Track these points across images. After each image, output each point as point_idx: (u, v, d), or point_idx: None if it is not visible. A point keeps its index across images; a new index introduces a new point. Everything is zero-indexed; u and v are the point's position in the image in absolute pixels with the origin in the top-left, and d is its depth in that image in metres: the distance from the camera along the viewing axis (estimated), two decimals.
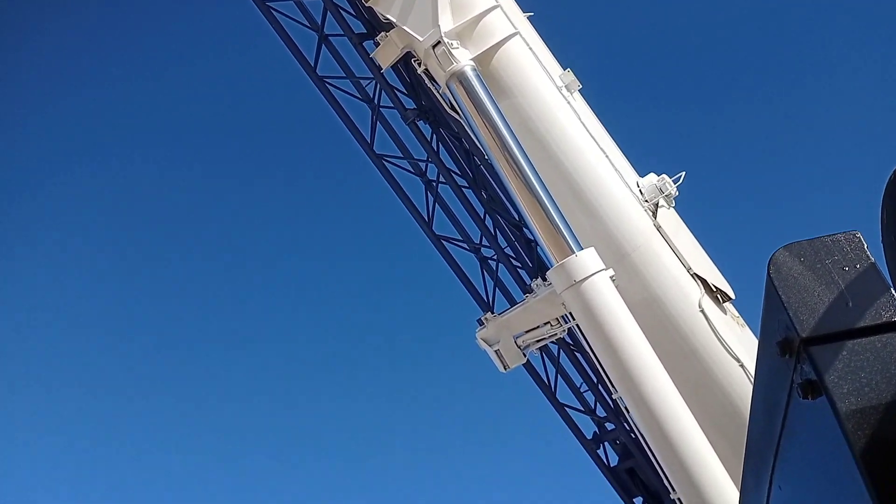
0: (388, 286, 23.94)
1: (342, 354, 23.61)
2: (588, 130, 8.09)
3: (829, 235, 1.25)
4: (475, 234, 9.57)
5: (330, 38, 9.57)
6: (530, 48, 8.10)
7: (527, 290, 8.63)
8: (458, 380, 22.56)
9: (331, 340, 23.97)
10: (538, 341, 8.39)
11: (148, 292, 23.23)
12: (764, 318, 1.34)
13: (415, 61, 8.61)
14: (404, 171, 9.54)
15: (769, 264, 1.25)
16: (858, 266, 1.21)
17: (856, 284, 1.19)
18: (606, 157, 8.04)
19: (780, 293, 1.20)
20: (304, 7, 9.58)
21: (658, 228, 7.89)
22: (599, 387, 9.52)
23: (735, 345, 7.72)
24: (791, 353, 1.21)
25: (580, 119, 8.12)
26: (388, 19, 8.29)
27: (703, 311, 7.65)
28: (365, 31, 9.23)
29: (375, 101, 9.46)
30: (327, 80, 9.51)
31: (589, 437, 9.88)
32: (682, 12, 22.38)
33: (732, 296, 8.10)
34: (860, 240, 1.25)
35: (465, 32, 7.90)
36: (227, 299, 23.79)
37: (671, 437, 6.55)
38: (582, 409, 9.85)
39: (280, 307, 24.03)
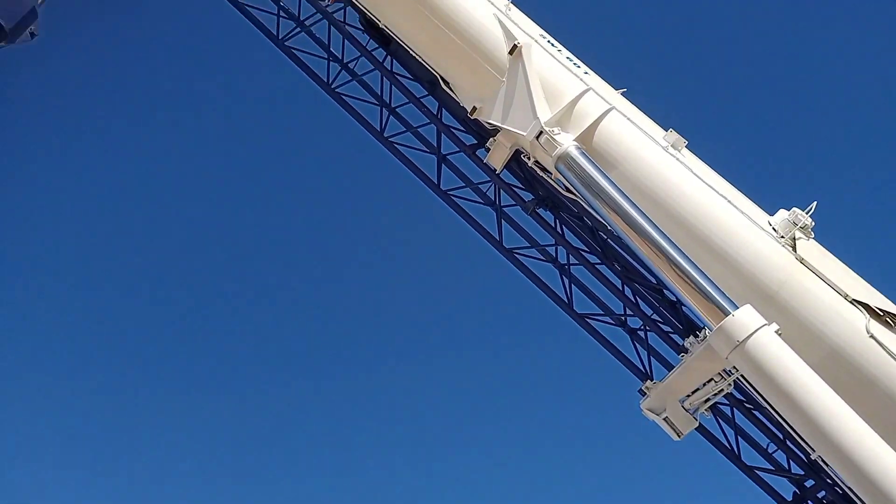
0: (541, 373, 23.48)
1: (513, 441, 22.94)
2: (704, 182, 7.79)
3: None
4: (617, 307, 9.28)
5: (447, 156, 10.09)
6: (628, 119, 8.06)
7: (681, 350, 8.17)
8: (628, 456, 21.28)
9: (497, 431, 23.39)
10: (706, 401, 7.82)
11: None
12: None
13: (524, 156, 8.82)
14: (536, 260, 9.55)
15: None
16: None
17: None
18: (729, 202, 7.66)
19: None
20: (420, 135, 10.23)
21: (801, 261, 7.30)
22: (788, 442, 8.60)
23: None
24: None
25: (693, 173, 7.85)
26: (492, 125, 8.61)
27: (873, 337, 6.86)
28: (476, 142, 9.64)
29: (497, 202, 9.71)
30: (451, 192, 9.92)
31: (789, 498, 8.83)
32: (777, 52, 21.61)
33: None
34: None
35: (564, 119, 8.03)
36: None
37: (882, 485, 5.79)
38: (773, 469, 8.88)
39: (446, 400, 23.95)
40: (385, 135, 10.15)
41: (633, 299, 9.06)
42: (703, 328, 7.28)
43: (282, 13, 10.66)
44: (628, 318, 9.16)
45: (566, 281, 9.39)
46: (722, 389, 7.62)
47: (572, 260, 9.34)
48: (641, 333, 9.14)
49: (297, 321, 24.67)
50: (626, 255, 9.20)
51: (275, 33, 10.65)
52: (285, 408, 23.84)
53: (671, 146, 8.04)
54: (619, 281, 9.18)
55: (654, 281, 8.88)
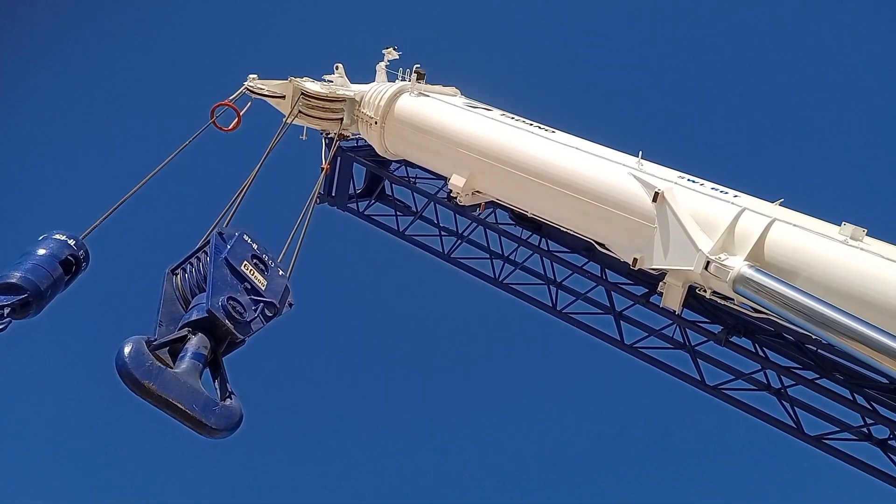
0: None
1: None
2: None
3: None
4: (853, 419, 8.34)
5: (623, 312, 10.18)
6: (794, 225, 7.85)
7: None
8: None
9: None
10: None
11: None
12: None
13: (699, 290, 8.69)
14: (747, 391, 8.99)
15: None
16: None
17: None
18: None
19: None
20: (591, 299, 10.48)
21: None
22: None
23: None
24: None
25: (886, 258, 7.32)
26: (658, 270, 8.68)
27: None
28: (647, 290, 9.69)
29: (687, 343, 9.47)
30: (637, 346, 9.85)
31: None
32: None
33: None
34: None
35: (727, 244, 7.94)
36: None
37: None
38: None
39: None
40: (559, 308, 10.50)
41: (869, 406, 8.14)
42: None
43: (443, 232, 11.85)
44: (870, 427, 8.18)
45: (787, 405, 8.69)
46: None
47: (787, 381, 8.71)
48: (894, 443, 8.07)
49: None
50: (845, 362, 8.45)
51: (440, 250, 11.78)
52: None
53: (850, 238, 7.64)
54: (848, 391, 8.36)
55: (886, 381, 8.01)
